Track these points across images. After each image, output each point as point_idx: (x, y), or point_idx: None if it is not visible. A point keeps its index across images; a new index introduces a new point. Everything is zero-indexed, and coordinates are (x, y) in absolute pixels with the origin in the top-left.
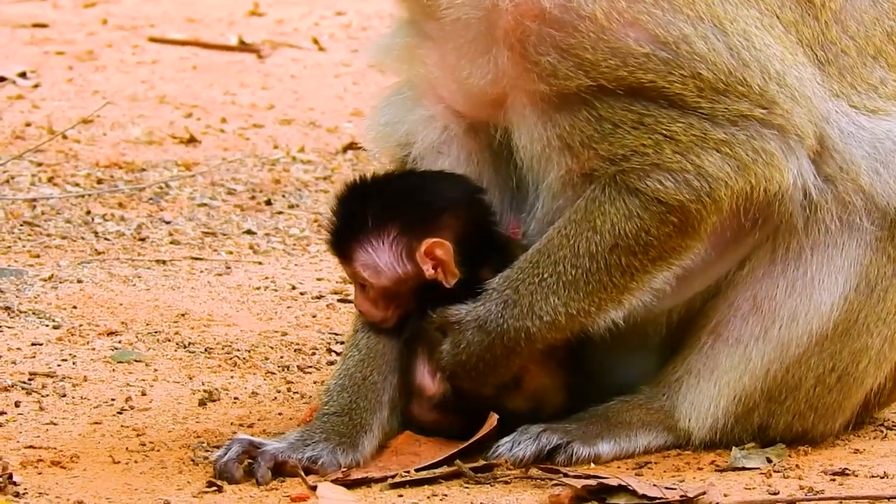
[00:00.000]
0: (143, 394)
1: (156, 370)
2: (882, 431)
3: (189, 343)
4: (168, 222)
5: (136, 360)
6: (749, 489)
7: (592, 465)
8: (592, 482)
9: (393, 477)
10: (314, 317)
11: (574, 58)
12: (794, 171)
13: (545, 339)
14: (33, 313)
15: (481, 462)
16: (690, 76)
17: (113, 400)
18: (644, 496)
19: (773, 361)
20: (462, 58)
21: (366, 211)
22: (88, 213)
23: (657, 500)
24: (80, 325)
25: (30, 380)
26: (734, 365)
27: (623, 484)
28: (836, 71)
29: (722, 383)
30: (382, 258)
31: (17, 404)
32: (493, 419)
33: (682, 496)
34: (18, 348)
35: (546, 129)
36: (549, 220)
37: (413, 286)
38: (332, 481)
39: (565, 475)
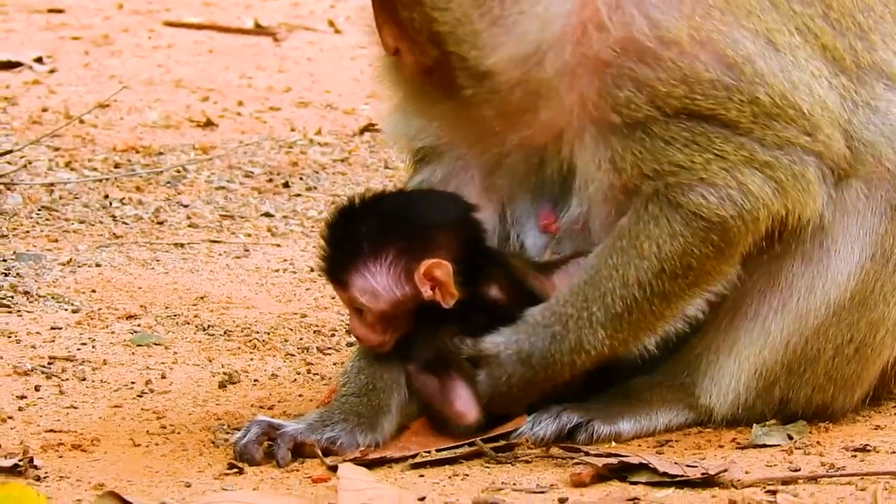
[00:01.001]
0: (163, 377)
1: (175, 353)
2: None
3: (208, 326)
4: (186, 206)
5: (156, 344)
6: (770, 466)
7: (613, 443)
8: (614, 461)
9: (413, 457)
10: (333, 298)
11: (648, 89)
12: (825, 195)
13: (586, 367)
14: (52, 297)
15: (502, 442)
16: (748, 101)
17: (133, 383)
18: (665, 474)
19: (793, 334)
20: (508, 113)
21: (360, 235)
22: (106, 197)
23: (678, 478)
24: (100, 309)
25: (49, 364)
26: (753, 339)
27: (644, 462)
28: (855, 76)
29: (742, 358)
30: (380, 282)
31: (37, 388)
32: (524, 417)
33: (703, 474)
34: (38, 332)
35: (598, 149)
36: (582, 225)
37: (410, 308)
38: (351, 461)
39: (586, 454)
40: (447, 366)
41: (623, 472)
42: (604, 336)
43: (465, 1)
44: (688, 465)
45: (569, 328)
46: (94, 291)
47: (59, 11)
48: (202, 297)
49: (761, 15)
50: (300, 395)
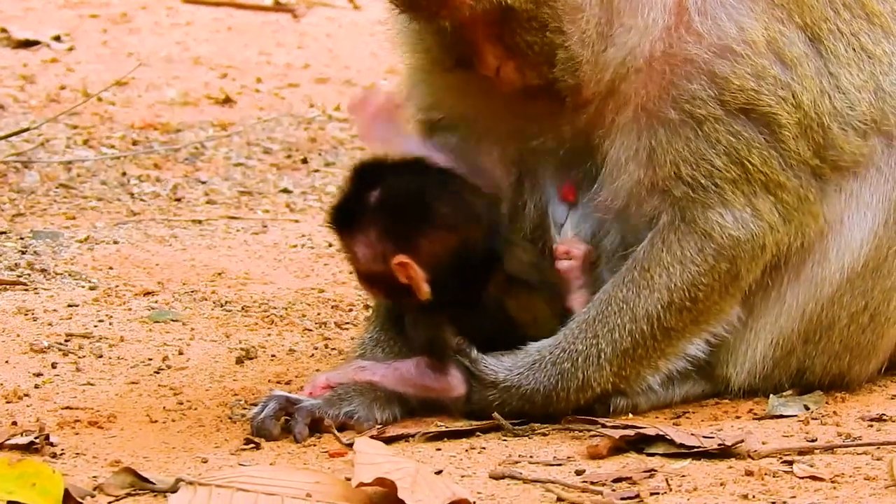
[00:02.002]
0: (180, 353)
1: (192, 329)
2: None
3: (226, 302)
4: (204, 182)
5: (173, 320)
6: (787, 436)
7: (630, 415)
8: (630, 432)
9: (428, 431)
10: (351, 273)
11: (721, 82)
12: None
13: (582, 403)
14: (69, 275)
15: None
16: (796, 105)
17: (150, 360)
18: (682, 445)
19: (808, 301)
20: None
21: (364, 201)
22: (124, 174)
23: (695, 449)
24: (117, 286)
25: (66, 341)
26: (770, 307)
27: (661, 433)
28: None
29: (758, 327)
30: (361, 251)
31: (53, 365)
32: None
33: (719, 445)
34: (55, 310)
35: (641, 141)
36: (603, 211)
37: (393, 285)
38: (368, 436)
39: (603, 426)
40: (438, 351)
41: (640, 443)
42: (609, 373)
43: (585, 23)
44: (704, 437)
45: (577, 366)
46: (111, 268)
47: None
48: (220, 274)
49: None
50: (318, 370)
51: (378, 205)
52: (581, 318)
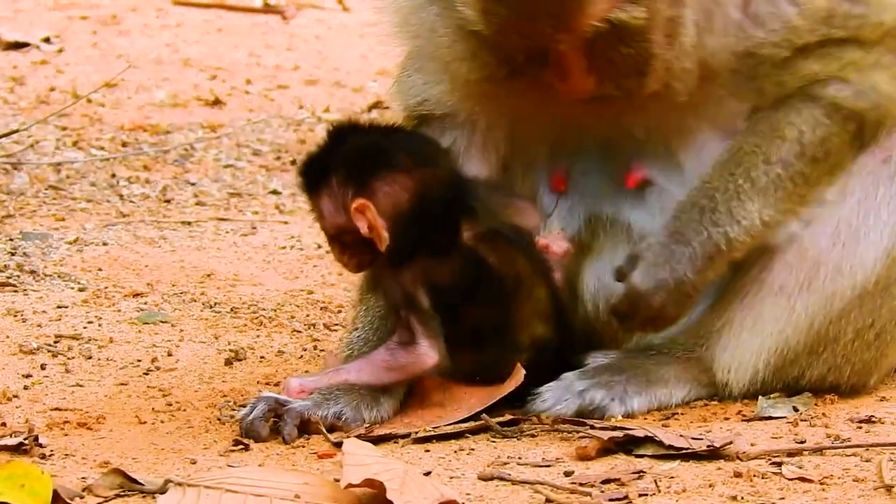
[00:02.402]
0: (170, 354)
1: (182, 330)
2: None
3: (215, 303)
4: (193, 184)
5: (162, 321)
6: (776, 438)
7: (620, 417)
8: (619, 434)
9: (416, 432)
10: (340, 275)
11: (785, 43)
12: None
13: (744, 246)
14: (59, 276)
15: (508, 416)
16: (878, 24)
17: (139, 361)
18: (671, 447)
19: (817, 314)
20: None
21: (328, 155)
22: (113, 175)
23: (684, 451)
24: (106, 287)
25: (55, 342)
26: (778, 315)
27: (650, 435)
28: None
29: (765, 334)
30: (325, 204)
31: (42, 367)
32: (520, 374)
33: (708, 446)
34: (44, 311)
35: (736, 83)
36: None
37: (360, 240)
38: (357, 437)
39: (592, 427)
40: (409, 311)
41: (629, 445)
42: (752, 209)
43: (682, 33)
44: (693, 438)
45: (716, 200)
46: (100, 270)
47: None
48: (209, 275)
49: None
50: (307, 372)
51: (339, 156)
52: (712, 164)
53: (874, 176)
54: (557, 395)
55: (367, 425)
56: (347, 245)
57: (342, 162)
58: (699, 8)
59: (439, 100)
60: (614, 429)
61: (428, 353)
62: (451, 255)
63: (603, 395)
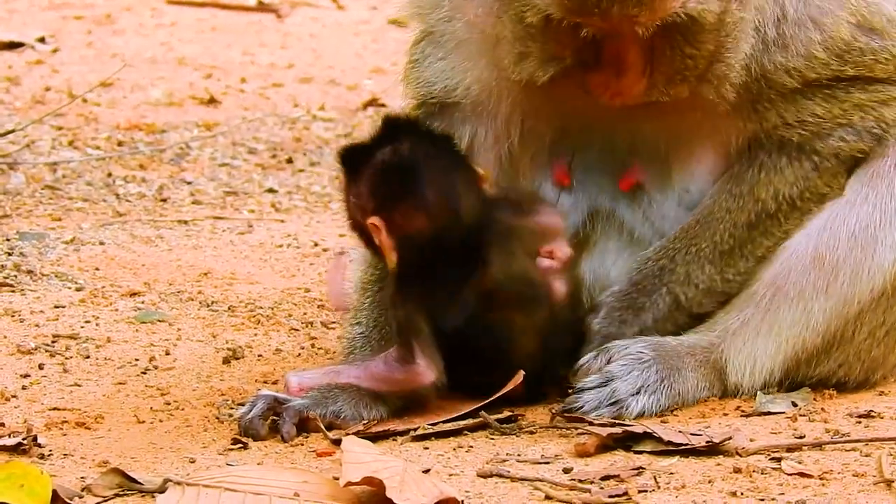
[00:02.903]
0: (167, 353)
1: (179, 329)
2: None
3: (212, 302)
4: (189, 182)
5: (160, 320)
6: (775, 433)
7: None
8: (618, 430)
9: (415, 430)
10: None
11: (798, 74)
12: None
13: (705, 304)
14: (56, 276)
15: (506, 413)
16: (892, 58)
17: (137, 360)
18: (670, 443)
19: (834, 318)
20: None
21: (372, 153)
22: (109, 175)
23: (683, 447)
24: (103, 287)
25: (53, 342)
26: (795, 320)
27: (648, 431)
28: None
29: (782, 339)
30: (351, 199)
31: (40, 367)
32: (519, 376)
33: (707, 442)
34: (41, 311)
35: (736, 113)
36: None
37: (372, 241)
38: (354, 434)
39: (591, 423)
40: (409, 329)
41: (627, 441)
42: (713, 271)
43: (745, 38)
44: (692, 434)
45: (675, 262)
46: (97, 269)
47: None
48: (206, 274)
49: None
50: (304, 370)
51: (378, 162)
52: (680, 227)
53: (889, 180)
54: (595, 397)
55: (366, 422)
56: (363, 236)
57: (377, 172)
58: (753, 18)
59: (467, 87)
60: (613, 425)
61: (425, 373)
62: (454, 299)
63: (627, 394)
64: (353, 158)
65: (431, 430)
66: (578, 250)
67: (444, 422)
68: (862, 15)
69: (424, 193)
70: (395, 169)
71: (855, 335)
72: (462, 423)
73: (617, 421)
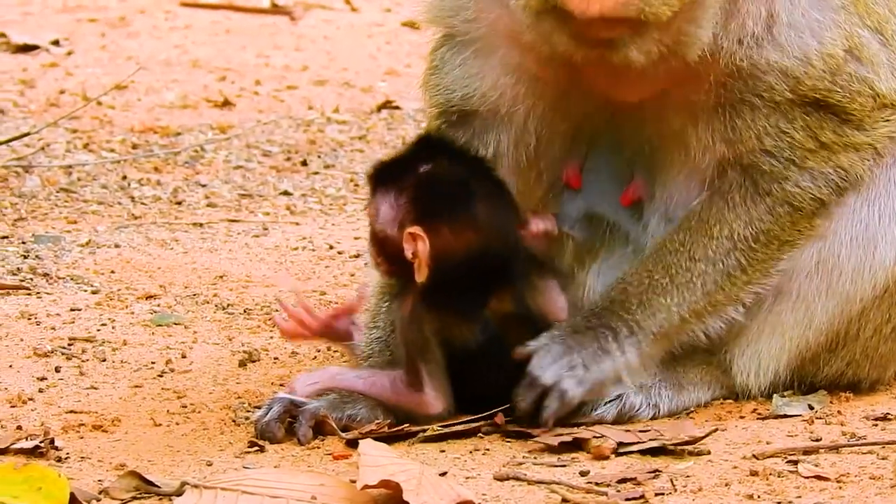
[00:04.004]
0: (183, 356)
1: (195, 332)
2: None
3: (228, 304)
4: (204, 185)
5: (176, 323)
6: (791, 436)
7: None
8: (567, 437)
9: (427, 430)
10: (352, 276)
11: (793, 79)
12: None
13: (655, 339)
14: (71, 279)
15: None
16: (871, 94)
17: (153, 363)
18: (620, 443)
19: (837, 317)
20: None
21: (410, 167)
22: (124, 178)
23: (633, 444)
24: (119, 290)
25: (69, 345)
26: (798, 321)
27: (598, 434)
28: None
29: (785, 339)
30: (383, 209)
31: (57, 370)
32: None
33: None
34: (57, 314)
35: (723, 120)
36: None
37: (398, 256)
38: (367, 433)
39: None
40: (420, 353)
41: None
42: (669, 303)
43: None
44: (640, 431)
45: (627, 293)
46: (113, 272)
47: None
48: (221, 276)
49: (876, 10)
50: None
51: (425, 174)
52: (634, 262)
53: (887, 178)
54: (622, 401)
55: (379, 421)
56: (385, 251)
57: (425, 182)
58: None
59: (484, 94)
60: (561, 434)
61: (433, 403)
62: (474, 321)
63: (641, 400)
64: (387, 171)
65: (445, 431)
66: (585, 256)
67: (459, 423)
68: (854, 42)
69: (474, 210)
70: (444, 181)
71: (860, 333)
72: (475, 424)
73: (565, 429)
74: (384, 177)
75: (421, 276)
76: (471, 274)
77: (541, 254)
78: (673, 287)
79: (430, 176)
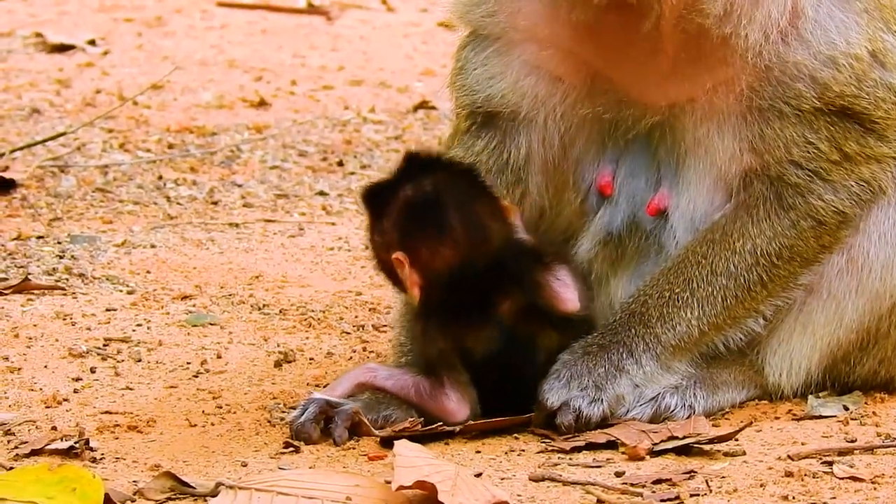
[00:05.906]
0: (219, 356)
1: (231, 333)
2: None
3: (263, 305)
4: (240, 185)
5: (211, 324)
6: (826, 437)
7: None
8: (580, 442)
9: (458, 428)
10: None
11: (821, 85)
12: None
13: (674, 351)
14: (107, 279)
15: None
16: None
17: (188, 363)
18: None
19: (867, 314)
20: (675, 61)
21: (395, 190)
22: (160, 178)
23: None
24: (154, 290)
25: (105, 345)
26: (829, 320)
27: (612, 440)
28: None
29: (816, 338)
30: (375, 234)
31: (92, 370)
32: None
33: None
34: (93, 314)
35: (749, 127)
36: (679, 196)
37: (397, 278)
38: (400, 431)
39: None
40: (440, 365)
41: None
42: (690, 316)
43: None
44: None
45: (648, 305)
46: (148, 272)
47: None
48: (257, 277)
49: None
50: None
51: (403, 198)
52: (654, 274)
53: None
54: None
55: (412, 419)
56: (386, 273)
57: (401, 208)
58: None
59: (504, 94)
60: (576, 438)
61: (458, 410)
62: (486, 325)
63: (676, 401)
64: (376, 196)
65: (481, 427)
66: (614, 264)
67: (492, 420)
68: (878, 46)
69: (446, 228)
70: (416, 204)
71: (891, 331)
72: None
73: (577, 434)
74: (372, 201)
75: (412, 297)
76: (463, 285)
77: (541, 246)
78: (693, 300)
79: (408, 199)
